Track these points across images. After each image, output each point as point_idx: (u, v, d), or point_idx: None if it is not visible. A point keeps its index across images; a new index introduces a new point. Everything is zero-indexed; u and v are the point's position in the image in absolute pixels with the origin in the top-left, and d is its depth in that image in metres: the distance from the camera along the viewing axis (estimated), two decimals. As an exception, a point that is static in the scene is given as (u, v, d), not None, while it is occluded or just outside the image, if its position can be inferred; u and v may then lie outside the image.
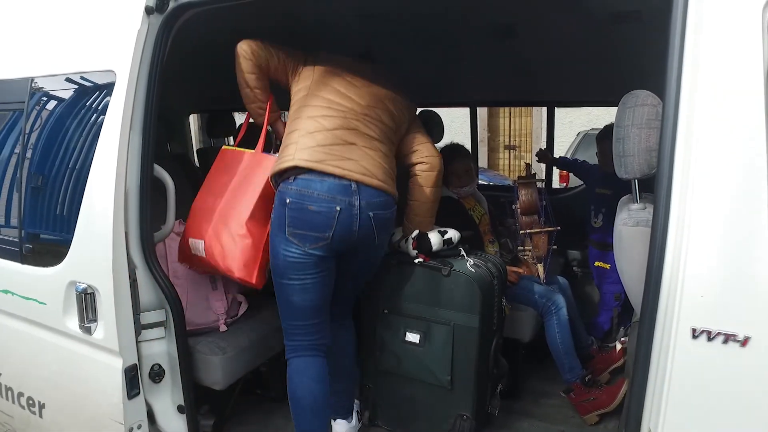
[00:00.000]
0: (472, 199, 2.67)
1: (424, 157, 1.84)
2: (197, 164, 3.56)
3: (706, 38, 1.01)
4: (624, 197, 1.58)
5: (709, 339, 0.97)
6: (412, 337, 1.95)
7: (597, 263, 2.75)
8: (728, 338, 0.96)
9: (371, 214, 1.64)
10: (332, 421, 2.00)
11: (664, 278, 1.02)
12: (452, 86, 3.45)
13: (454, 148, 2.65)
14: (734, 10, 0.98)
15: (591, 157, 7.17)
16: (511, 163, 11.24)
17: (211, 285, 1.99)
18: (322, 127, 1.66)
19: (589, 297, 2.89)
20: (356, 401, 2.10)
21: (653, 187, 1.32)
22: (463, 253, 1.97)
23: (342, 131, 1.66)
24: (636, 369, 1.10)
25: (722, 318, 0.96)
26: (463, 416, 1.93)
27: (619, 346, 2.39)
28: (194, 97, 3.66)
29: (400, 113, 1.82)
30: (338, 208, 1.60)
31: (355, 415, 2.06)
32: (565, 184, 5.78)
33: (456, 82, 3.37)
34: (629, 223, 1.24)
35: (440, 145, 3.07)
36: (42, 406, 1.82)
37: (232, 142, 3.85)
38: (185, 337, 1.77)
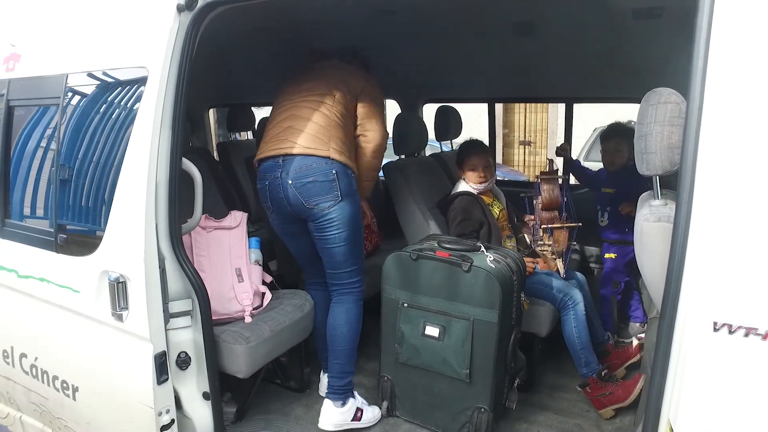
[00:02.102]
0: (490, 194, 2.69)
1: (364, 131, 2.12)
2: (217, 158, 3.62)
3: (730, 37, 1.02)
4: (644, 194, 1.59)
5: (730, 332, 0.99)
6: (432, 331, 1.98)
7: (607, 255, 2.77)
8: (749, 332, 0.97)
9: (290, 181, 1.96)
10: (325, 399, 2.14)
11: (686, 272, 1.04)
12: (471, 83, 3.46)
13: (473, 144, 2.67)
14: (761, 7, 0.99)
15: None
16: (526, 159, 11.18)
17: (237, 277, 2.05)
18: (271, 123, 2.12)
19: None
20: (356, 393, 2.15)
21: (671, 183, 1.34)
22: (482, 248, 2.00)
23: (283, 120, 2.06)
24: (656, 362, 1.12)
25: (743, 312, 0.98)
26: (480, 408, 1.96)
27: (635, 342, 2.40)
28: (214, 91, 3.73)
29: (346, 94, 2.08)
30: (267, 183, 2.04)
31: (350, 402, 2.10)
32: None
33: (475, 79, 3.38)
34: (651, 219, 1.25)
35: (458, 140, 3.11)
36: (75, 389, 1.89)
37: (251, 136, 3.92)
38: (211, 327, 1.82)
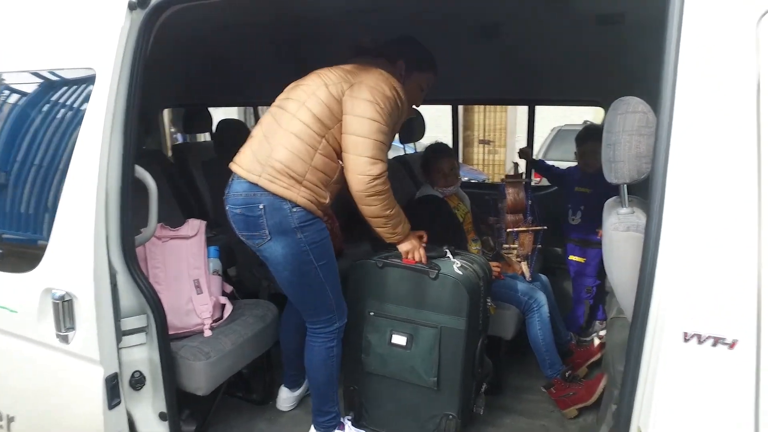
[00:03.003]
0: (455, 197, 2.69)
1: (346, 173, 1.72)
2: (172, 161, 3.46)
3: (699, 49, 1.03)
4: (610, 200, 1.61)
5: (700, 342, 1.00)
6: (399, 339, 1.95)
7: (572, 257, 2.81)
8: (717, 341, 0.99)
9: (227, 207, 1.77)
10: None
11: (656, 283, 1.05)
12: (435, 85, 3.45)
13: (439, 148, 2.66)
14: (728, 22, 1.01)
15: (565, 151, 7.32)
16: (485, 157, 11.39)
17: (195, 289, 1.95)
18: None
19: (565, 292, 2.95)
20: (347, 423, 2.07)
21: (637, 190, 1.36)
22: (449, 254, 1.98)
23: (256, 125, 1.83)
24: (627, 370, 1.13)
25: (712, 322, 1.00)
26: (449, 416, 1.94)
27: (597, 341, 2.45)
28: (169, 90, 3.56)
29: (323, 102, 1.71)
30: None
31: (304, 386, 2.23)
32: (539, 179, 5.89)
33: (439, 81, 3.37)
34: (620, 228, 1.26)
35: (423, 142, 3.10)
36: (11, 420, 1.74)
37: (208, 138, 3.77)
38: (167, 343, 1.72)
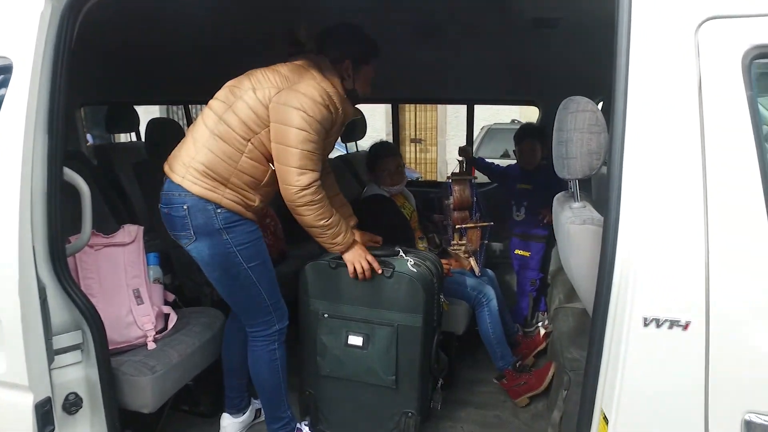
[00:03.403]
0: (401, 196, 2.70)
1: (279, 182, 1.68)
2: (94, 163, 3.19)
3: (644, 54, 1.10)
4: (559, 195, 1.68)
5: (658, 326, 1.06)
6: (355, 340, 1.92)
7: (517, 251, 2.92)
8: (673, 324, 1.06)
9: (159, 205, 1.75)
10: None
11: (616, 273, 1.10)
12: (375, 84, 3.45)
13: (385, 147, 2.66)
14: (671, 30, 1.08)
15: (493, 149, 7.58)
16: (417, 156, 11.59)
17: (135, 299, 1.80)
18: None
19: (507, 286, 3.06)
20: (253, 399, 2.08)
21: (568, 186, 1.43)
22: (401, 253, 1.98)
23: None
24: (590, 356, 1.18)
25: (668, 306, 1.06)
26: (408, 413, 1.94)
27: (542, 331, 2.56)
28: (89, 87, 3.28)
29: (251, 106, 1.65)
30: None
31: (249, 412, 2.09)
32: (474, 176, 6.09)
33: (379, 80, 3.37)
34: (576, 222, 1.31)
35: (363, 142, 3.09)
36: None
37: (134, 138, 3.52)
38: (107, 359, 1.59)
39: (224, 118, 1.66)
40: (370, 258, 1.84)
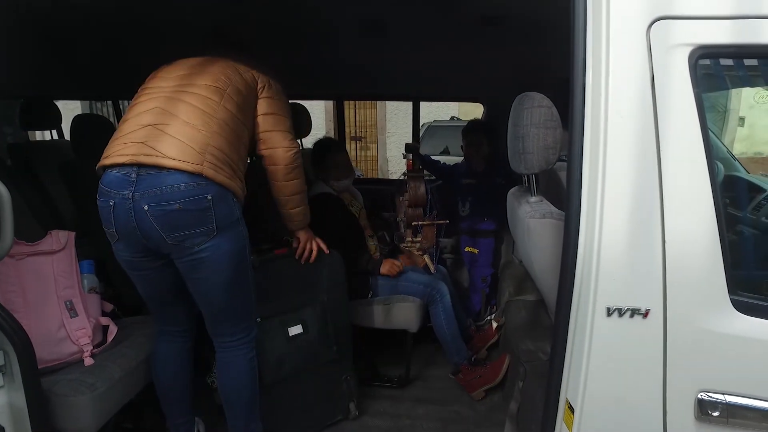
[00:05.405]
0: (348, 194, 2.66)
1: (264, 149, 1.74)
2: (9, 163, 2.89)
3: (600, 51, 1.13)
4: (513, 190, 1.71)
5: (620, 315, 1.10)
6: (296, 329, 1.97)
7: (467, 248, 2.96)
8: (634, 312, 1.10)
9: (145, 206, 1.45)
10: None
11: (579, 264, 1.13)
12: (319, 81, 3.37)
13: (331, 143, 2.62)
14: (625, 28, 1.12)
15: (434, 146, 7.68)
16: (357, 153, 11.55)
17: (68, 312, 1.64)
18: (126, 118, 1.58)
19: (459, 282, 3.10)
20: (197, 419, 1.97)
21: (520, 180, 1.45)
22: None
23: (144, 114, 1.54)
24: (555, 347, 1.20)
25: (629, 295, 1.10)
26: (346, 377, 2.11)
27: (494, 324, 2.61)
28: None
29: (243, 91, 1.66)
30: (112, 203, 1.49)
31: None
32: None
33: (322, 77, 3.30)
34: (536, 216, 1.33)
35: (308, 140, 3.01)
36: None
37: (56, 135, 3.23)
38: (36, 380, 1.43)
39: (226, 104, 1.60)
40: (318, 240, 1.96)
